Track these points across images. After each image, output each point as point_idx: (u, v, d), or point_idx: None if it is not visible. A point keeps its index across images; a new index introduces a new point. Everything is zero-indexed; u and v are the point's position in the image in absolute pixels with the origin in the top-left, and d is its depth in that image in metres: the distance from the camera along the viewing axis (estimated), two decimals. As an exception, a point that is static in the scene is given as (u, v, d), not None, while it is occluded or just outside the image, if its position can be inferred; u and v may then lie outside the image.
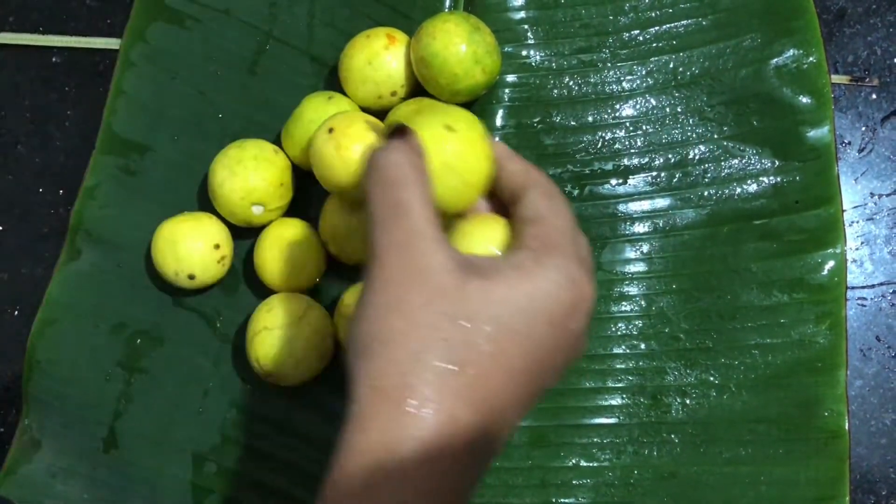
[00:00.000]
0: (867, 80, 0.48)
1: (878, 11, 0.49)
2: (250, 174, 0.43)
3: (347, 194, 0.41)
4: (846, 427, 0.42)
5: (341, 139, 0.40)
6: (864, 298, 0.47)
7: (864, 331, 0.47)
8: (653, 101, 0.47)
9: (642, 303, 0.45)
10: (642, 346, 0.45)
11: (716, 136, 0.46)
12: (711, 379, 0.44)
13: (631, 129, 0.47)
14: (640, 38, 0.47)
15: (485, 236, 0.31)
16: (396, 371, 0.26)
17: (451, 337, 0.26)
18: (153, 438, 0.44)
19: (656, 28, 0.47)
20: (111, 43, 0.49)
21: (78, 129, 0.49)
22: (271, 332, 0.41)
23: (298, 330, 0.41)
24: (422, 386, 0.25)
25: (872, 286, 0.47)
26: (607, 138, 0.47)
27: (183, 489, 0.44)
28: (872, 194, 0.48)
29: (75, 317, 0.45)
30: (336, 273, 0.45)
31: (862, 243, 0.47)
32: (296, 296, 0.43)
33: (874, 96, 0.49)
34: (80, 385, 0.45)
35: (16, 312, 0.48)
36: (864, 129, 0.48)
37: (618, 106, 0.47)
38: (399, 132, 0.30)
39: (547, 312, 0.27)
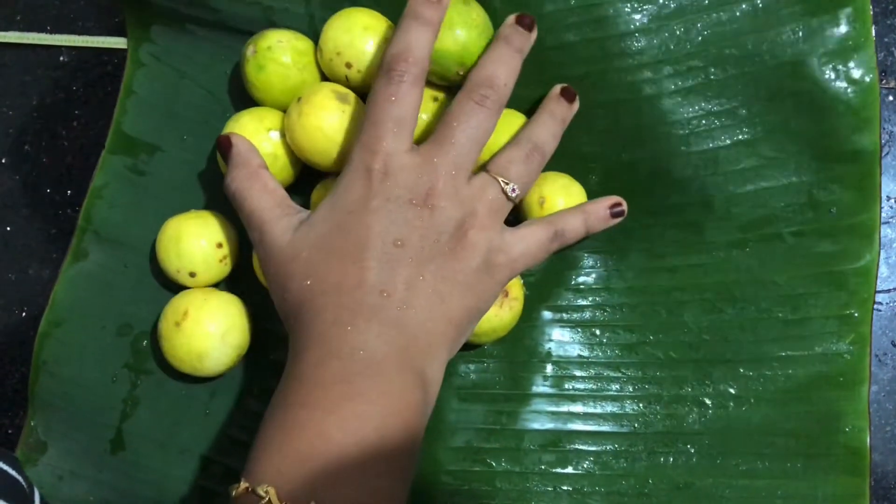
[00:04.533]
0: (884, 81, 0.48)
1: (896, 12, 0.48)
2: None
3: (316, 164, 0.42)
4: (867, 443, 0.42)
5: (304, 106, 0.41)
6: (880, 303, 0.46)
7: (879, 336, 0.46)
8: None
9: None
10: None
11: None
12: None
13: (726, 176, 0.44)
14: (730, 72, 0.44)
15: None
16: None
17: (296, 269, 0.37)
18: (160, 440, 0.44)
19: (747, 58, 0.44)
20: (119, 42, 0.49)
21: (86, 129, 0.49)
22: None
23: None
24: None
25: (888, 291, 0.47)
26: (700, 190, 0.45)
27: (190, 491, 0.44)
28: (889, 197, 0.47)
29: (82, 318, 0.45)
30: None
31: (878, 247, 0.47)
32: None
33: (891, 98, 0.48)
34: (87, 387, 0.44)
35: (23, 314, 0.48)
36: (880, 131, 0.48)
37: (707, 150, 0.44)
38: (224, 145, 0.41)
39: (335, 210, 0.37)
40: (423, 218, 0.36)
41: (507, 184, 0.38)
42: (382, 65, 0.38)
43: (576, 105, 0.42)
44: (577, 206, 0.42)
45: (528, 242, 0.39)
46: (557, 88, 0.42)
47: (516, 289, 0.42)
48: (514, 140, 0.40)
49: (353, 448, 0.33)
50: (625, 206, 0.42)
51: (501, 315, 0.41)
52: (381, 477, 0.33)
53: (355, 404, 0.34)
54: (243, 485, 0.33)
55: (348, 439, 0.33)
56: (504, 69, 0.39)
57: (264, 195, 0.39)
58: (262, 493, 0.32)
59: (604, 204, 0.42)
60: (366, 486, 0.33)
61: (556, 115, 0.41)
